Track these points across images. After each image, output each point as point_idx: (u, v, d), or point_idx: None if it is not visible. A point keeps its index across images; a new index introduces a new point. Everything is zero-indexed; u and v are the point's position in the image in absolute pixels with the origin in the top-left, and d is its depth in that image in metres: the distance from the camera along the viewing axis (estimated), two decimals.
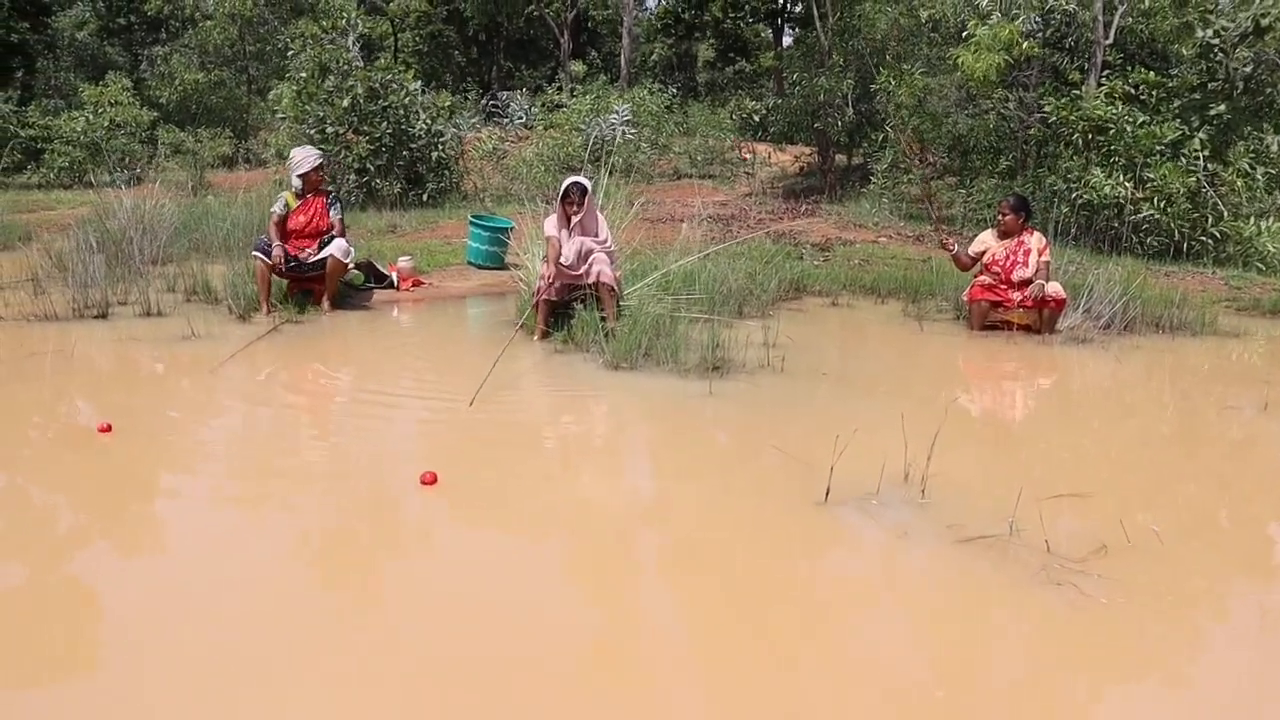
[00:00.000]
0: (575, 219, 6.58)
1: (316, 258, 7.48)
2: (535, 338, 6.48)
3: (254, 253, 7.40)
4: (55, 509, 3.73)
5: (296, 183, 7.70)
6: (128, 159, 19.29)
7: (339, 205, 7.89)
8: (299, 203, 7.70)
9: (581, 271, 6.50)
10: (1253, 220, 10.73)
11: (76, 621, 2.86)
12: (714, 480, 4.11)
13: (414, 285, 8.59)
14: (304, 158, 7.76)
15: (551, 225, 6.63)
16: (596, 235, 6.66)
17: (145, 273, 8.20)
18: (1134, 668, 2.71)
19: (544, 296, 6.49)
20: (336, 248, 7.50)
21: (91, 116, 19.79)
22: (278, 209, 7.69)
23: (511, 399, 5.35)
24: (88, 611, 2.95)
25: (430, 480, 3.88)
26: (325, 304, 7.51)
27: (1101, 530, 3.45)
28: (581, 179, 6.67)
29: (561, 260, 6.47)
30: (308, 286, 7.64)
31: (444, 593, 3.04)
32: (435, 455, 4.43)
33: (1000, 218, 7.35)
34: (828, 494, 3.69)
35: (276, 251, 7.36)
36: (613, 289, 6.44)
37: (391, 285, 8.41)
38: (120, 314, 7.12)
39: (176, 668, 2.56)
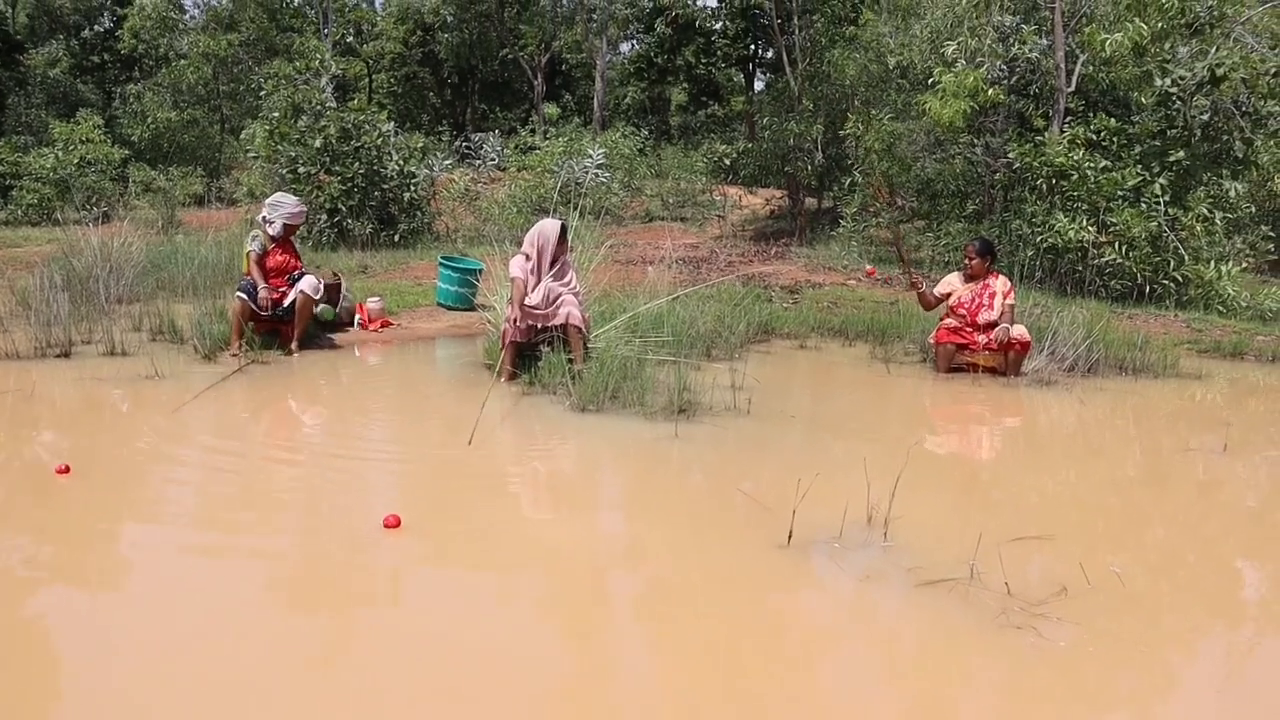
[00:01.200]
0: (564, 258, 6.64)
1: (289, 300, 7.46)
2: (503, 379, 6.46)
3: (238, 293, 7.33)
4: (10, 552, 3.66)
5: (280, 229, 7.67)
6: (97, 197, 19.20)
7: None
8: (273, 244, 7.67)
9: (548, 312, 6.51)
10: (1213, 264, 10.92)
11: (31, 669, 2.80)
12: (679, 523, 4.10)
13: (383, 326, 8.57)
14: (295, 209, 7.77)
15: (517, 266, 6.61)
16: (563, 278, 6.68)
17: (110, 312, 8.14)
18: (1094, 711, 2.72)
19: (511, 338, 6.48)
20: (306, 284, 7.48)
21: (61, 153, 19.71)
22: (255, 248, 7.62)
23: (479, 441, 5.33)
24: (43, 658, 2.89)
25: (394, 524, 3.85)
26: (294, 345, 7.46)
27: (1062, 573, 3.47)
28: (561, 220, 6.73)
29: (529, 302, 6.47)
30: (276, 327, 7.60)
31: (412, 637, 3.00)
32: (403, 498, 4.40)
33: (966, 261, 7.45)
34: (790, 537, 3.69)
35: (263, 295, 7.31)
36: (580, 330, 6.46)
37: (351, 323, 8.38)
38: (84, 353, 7.05)
39: (134, 717, 2.52)
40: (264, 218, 7.75)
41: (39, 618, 3.15)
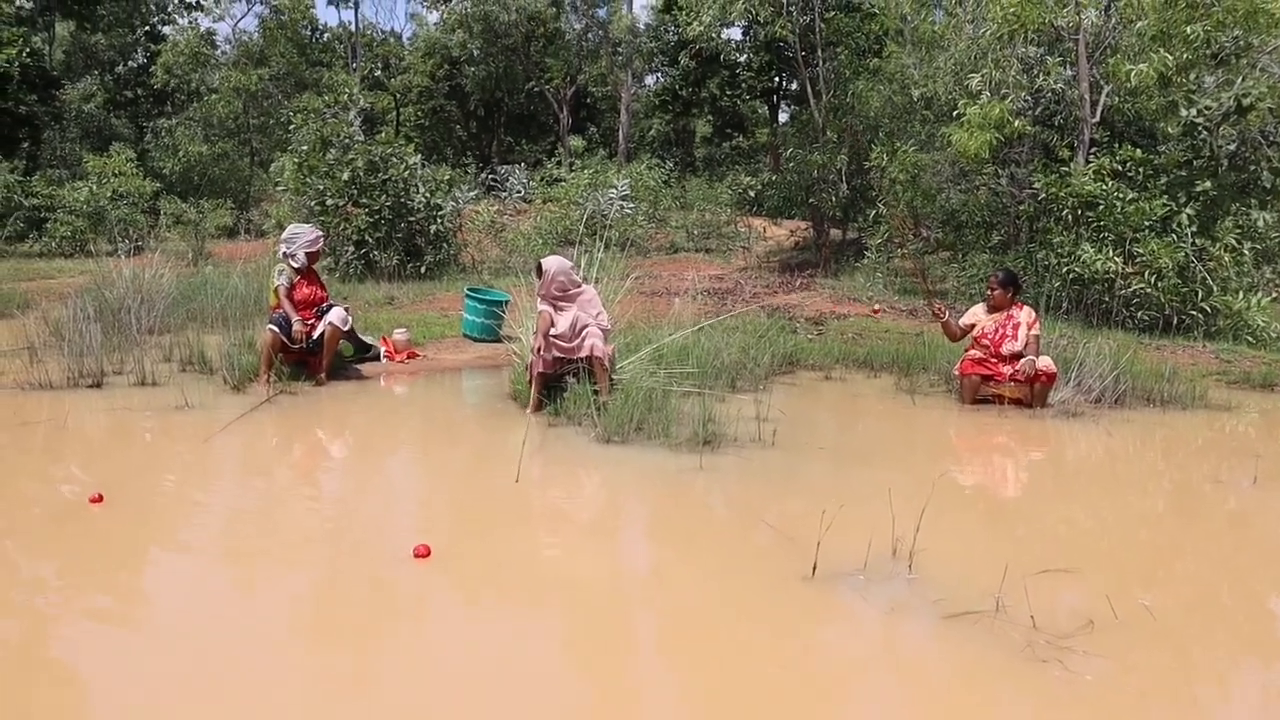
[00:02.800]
0: (573, 292, 6.67)
1: (318, 332, 7.55)
2: (529, 410, 6.49)
3: (270, 326, 7.38)
4: (46, 580, 3.71)
5: (302, 259, 7.75)
6: (129, 229, 19.50)
7: None
8: (299, 276, 7.76)
9: (574, 345, 6.54)
10: (1242, 294, 10.84)
11: (66, 695, 2.83)
12: (704, 554, 4.10)
13: (409, 357, 8.64)
14: (312, 236, 7.85)
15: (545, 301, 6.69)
16: (589, 309, 6.71)
17: (141, 342, 8.24)
18: None
19: (537, 370, 6.51)
20: (335, 316, 7.56)
21: (95, 187, 20.05)
22: (284, 283, 7.68)
23: (504, 472, 5.35)
24: (78, 685, 2.92)
25: (424, 553, 3.88)
26: (322, 375, 7.53)
27: (1089, 606, 3.44)
28: (559, 259, 6.77)
29: (554, 333, 6.51)
30: (304, 358, 7.68)
31: (438, 668, 3.02)
32: (430, 529, 4.43)
33: (989, 292, 7.43)
34: (814, 569, 3.68)
35: (297, 329, 7.38)
36: (604, 363, 6.48)
37: (376, 357, 8.43)
38: (115, 383, 7.14)
39: None
40: (285, 253, 7.80)
41: (72, 646, 3.19)
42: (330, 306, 7.72)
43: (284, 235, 7.95)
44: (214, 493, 4.95)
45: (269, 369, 7.32)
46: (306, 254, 7.77)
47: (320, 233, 8.02)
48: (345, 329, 7.68)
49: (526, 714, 2.74)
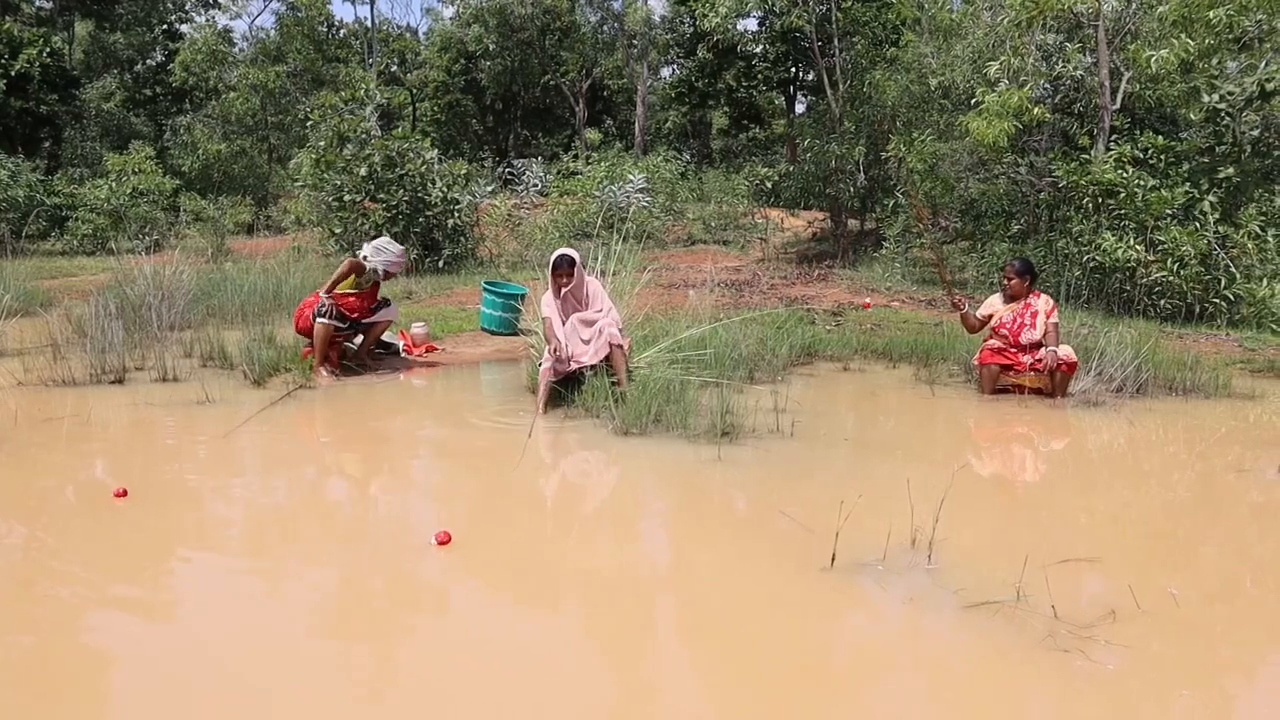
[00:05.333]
0: (565, 289, 6.61)
1: (368, 320, 7.78)
2: (538, 413, 6.34)
3: (321, 319, 7.37)
4: (72, 573, 3.75)
5: (379, 273, 7.71)
6: (149, 226, 19.63)
7: None
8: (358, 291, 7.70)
9: (596, 348, 6.48)
10: (1266, 282, 10.73)
11: (91, 687, 2.86)
12: (722, 546, 4.10)
13: (428, 351, 8.67)
14: (397, 259, 7.86)
15: (549, 304, 6.61)
16: (595, 308, 6.68)
17: (163, 338, 8.31)
18: None
19: (547, 380, 6.40)
20: (390, 312, 7.91)
21: (115, 184, 20.19)
22: (345, 270, 7.56)
23: (523, 464, 5.37)
24: (103, 675, 2.95)
25: (445, 540, 3.91)
26: (366, 358, 7.90)
27: (1111, 596, 3.42)
28: (570, 251, 6.70)
29: (575, 354, 6.44)
30: (342, 340, 7.76)
31: (461, 657, 3.04)
32: (450, 521, 4.44)
33: (1006, 281, 7.38)
34: (833, 559, 3.67)
35: (326, 303, 7.41)
36: (623, 351, 6.46)
37: (396, 352, 8.47)
38: (137, 379, 7.20)
39: None
40: (366, 256, 7.70)
41: (98, 638, 3.22)
42: (387, 302, 7.95)
43: (374, 243, 7.84)
44: (236, 486, 4.99)
45: (324, 360, 7.43)
46: (385, 271, 7.79)
47: (406, 259, 8.04)
48: (391, 319, 7.97)
49: (548, 704, 2.75)
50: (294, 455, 5.70)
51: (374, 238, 8.85)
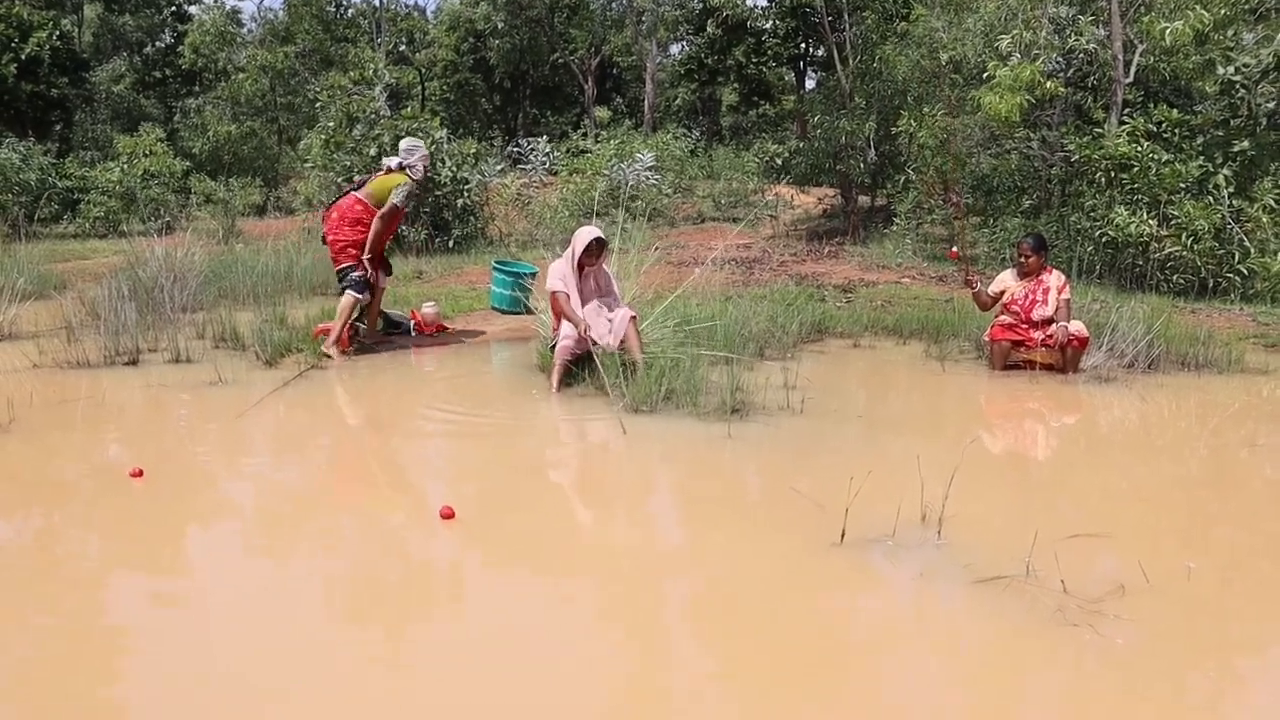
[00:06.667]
0: (590, 270, 6.59)
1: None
2: (552, 390, 6.37)
3: (351, 291, 7.52)
4: (90, 553, 3.80)
5: (420, 171, 7.81)
6: (161, 208, 19.68)
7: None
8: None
9: (615, 331, 6.47)
10: None
11: (109, 666, 2.90)
12: (733, 522, 4.12)
13: (438, 330, 8.69)
14: (425, 151, 7.95)
15: (561, 278, 6.47)
16: (609, 294, 6.67)
17: (175, 320, 8.35)
18: (1158, 711, 2.68)
19: (563, 358, 6.38)
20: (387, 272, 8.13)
21: (126, 167, 20.23)
22: (401, 199, 7.66)
23: (533, 441, 5.40)
24: (120, 655, 2.99)
25: (449, 514, 3.95)
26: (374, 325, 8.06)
27: (1120, 571, 3.42)
28: (602, 234, 6.61)
29: (595, 334, 6.39)
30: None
31: (473, 635, 3.07)
32: (459, 497, 4.46)
33: (1022, 259, 7.32)
34: (843, 536, 3.69)
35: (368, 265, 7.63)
36: (634, 317, 6.44)
37: (406, 331, 8.49)
38: (150, 361, 7.24)
39: (207, 712, 2.60)
40: (404, 164, 7.71)
41: (114, 617, 3.26)
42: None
43: (404, 145, 7.86)
44: (250, 466, 5.04)
45: (339, 337, 7.49)
46: (424, 167, 7.86)
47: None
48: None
49: (561, 678, 2.77)
50: (307, 435, 5.74)
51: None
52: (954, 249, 8.34)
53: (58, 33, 26.34)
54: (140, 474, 4.51)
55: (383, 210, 7.61)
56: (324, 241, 7.87)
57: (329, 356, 7.33)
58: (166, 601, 3.37)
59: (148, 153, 21.09)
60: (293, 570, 3.67)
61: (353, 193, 7.84)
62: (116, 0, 32.78)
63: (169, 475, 4.64)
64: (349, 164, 14.46)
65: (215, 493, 4.58)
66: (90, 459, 5.06)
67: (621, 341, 6.40)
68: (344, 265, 7.61)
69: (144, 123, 26.48)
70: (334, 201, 7.93)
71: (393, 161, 7.85)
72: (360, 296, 7.47)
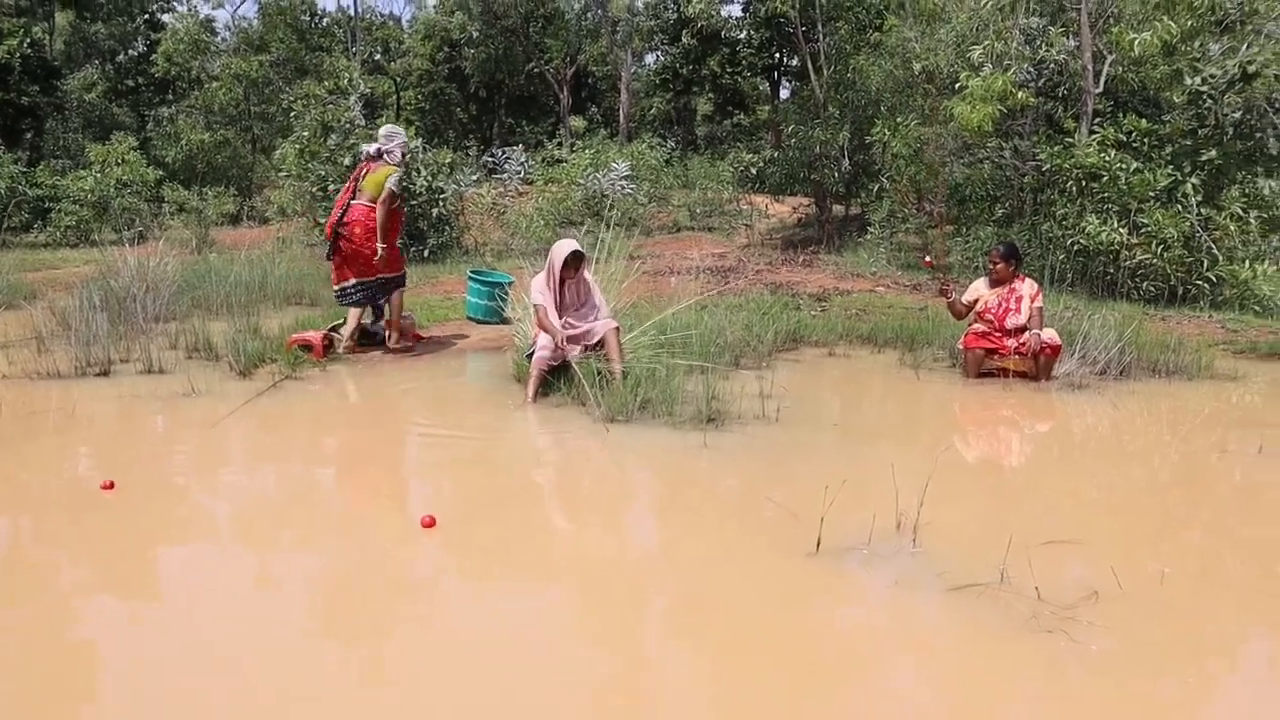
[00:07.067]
0: (569, 282, 6.60)
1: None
2: (528, 399, 6.37)
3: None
4: (59, 566, 3.75)
5: (397, 156, 7.99)
6: (133, 218, 19.52)
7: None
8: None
9: (589, 329, 6.49)
10: (1248, 263, 10.80)
11: (80, 682, 2.87)
12: (709, 532, 4.13)
13: (414, 340, 8.64)
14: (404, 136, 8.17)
15: (541, 291, 6.51)
16: (591, 311, 6.66)
17: (148, 330, 8.28)
18: (1127, 717, 2.71)
19: (539, 367, 6.39)
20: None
21: (99, 175, 20.05)
22: (395, 184, 7.83)
23: (510, 451, 5.38)
24: (92, 671, 2.96)
25: (429, 524, 3.94)
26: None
27: (1093, 577, 3.46)
28: (580, 247, 6.62)
29: (572, 333, 6.41)
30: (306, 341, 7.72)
31: (450, 646, 3.06)
32: (438, 508, 4.45)
33: (991, 266, 7.41)
34: (819, 544, 3.70)
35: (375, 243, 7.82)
36: (618, 328, 6.45)
37: (381, 341, 8.44)
38: (122, 371, 7.17)
39: None
40: (384, 149, 7.94)
41: (86, 632, 3.22)
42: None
43: (383, 132, 8.08)
44: (223, 477, 4.99)
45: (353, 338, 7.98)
46: (402, 154, 8.05)
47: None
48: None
49: (537, 688, 2.76)
50: (281, 446, 5.70)
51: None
52: (928, 258, 8.42)
53: (28, 40, 26.10)
54: (111, 486, 4.46)
55: (381, 197, 7.76)
56: (333, 256, 8.04)
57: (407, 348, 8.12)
58: (138, 616, 3.34)
59: (120, 161, 20.91)
60: (268, 583, 3.64)
61: (356, 204, 7.90)
62: (88, 8, 32.50)
63: (141, 487, 4.60)
64: (324, 173, 14.39)
65: (188, 505, 4.54)
66: (61, 471, 5.00)
67: (600, 346, 6.41)
68: (381, 276, 7.94)
69: (116, 131, 26.27)
70: (341, 217, 7.94)
71: (371, 148, 8.04)
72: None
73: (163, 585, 3.63)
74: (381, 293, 8.05)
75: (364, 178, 7.92)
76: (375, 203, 7.77)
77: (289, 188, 16.49)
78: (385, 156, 7.91)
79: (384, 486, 4.92)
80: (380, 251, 7.74)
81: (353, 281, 7.94)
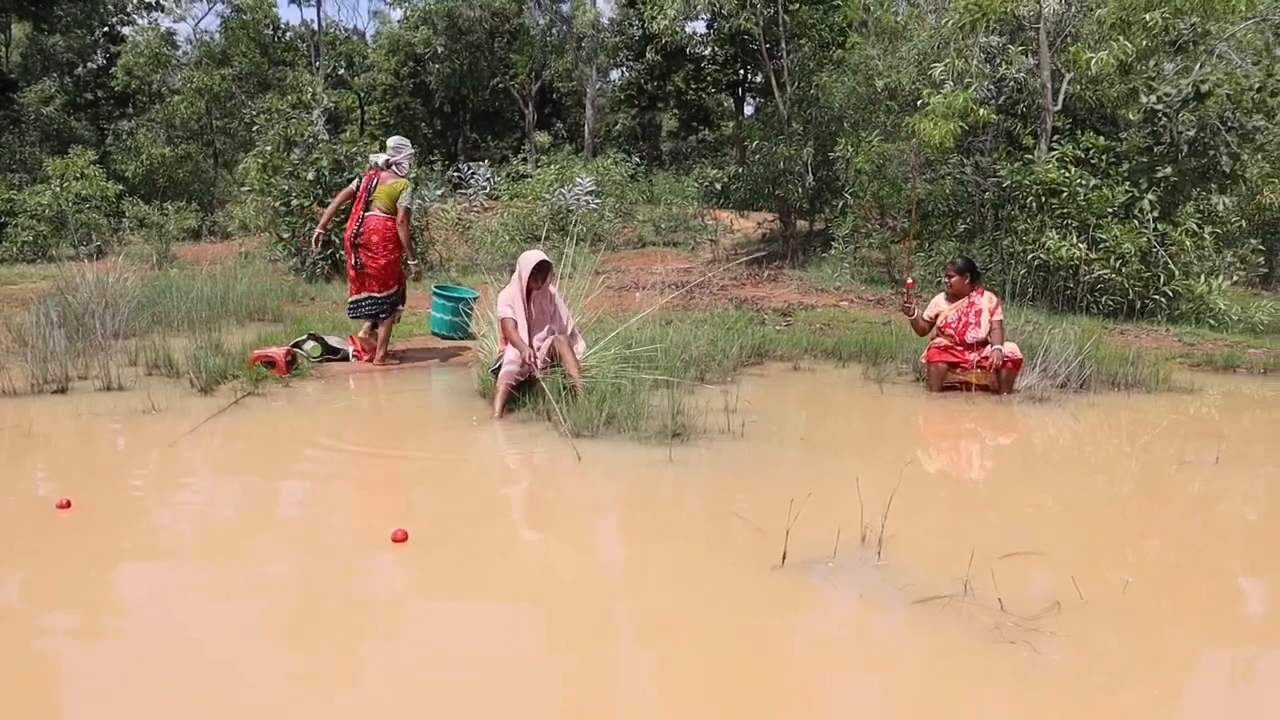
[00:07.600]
0: (536, 292, 6.59)
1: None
2: (495, 416, 6.35)
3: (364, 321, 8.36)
4: (14, 586, 3.67)
5: (405, 169, 8.15)
6: (92, 232, 19.26)
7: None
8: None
9: (547, 345, 6.48)
10: (1203, 278, 11.00)
11: (37, 704, 2.81)
12: (674, 546, 4.12)
13: (379, 355, 8.58)
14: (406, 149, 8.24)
15: (509, 304, 6.50)
16: (556, 319, 6.66)
17: (106, 347, 8.16)
18: None
19: (507, 382, 6.36)
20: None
21: (58, 189, 19.78)
22: (411, 202, 8.11)
23: (476, 467, 5.36)
24: (49, 693, 2.89)
25: (401, 538, 3.93)
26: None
27: (1056, 588, 3.49)
28: (548, 258, 6.63)
29: (536, 363, 6.39)
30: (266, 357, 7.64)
31: (416, 662, 3.02)
32: (402, 524, 4.42)
33: (948, 280, 7.50)
34: (784, 558, 3.71)
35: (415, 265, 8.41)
36: (568, 341, 6.43)
37: (345, 358, 8.39)
38: (80, 389, 7.05)
39: None
40: (392, 161, 8.07)
41: (42, 653, 3.16)
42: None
43: (391, 144, 8.19)
44: (184, 495, 4.92)
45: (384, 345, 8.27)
46: (410, 166, 8.21)
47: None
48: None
49: (503, 703, 2.74)
50: (243, 463, 5.62)
51: (325, 243, 9.15)
52: (910, 279, 8.49)
53: None
54: (68, 505, 4.38)
55: (399, 218, 8.03)
56: (357, 264, 8.17)
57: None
58: (94, 636, 3.28)
59: (79, 175, 20.65)
60: (229, 603, 3.58)
61: (370, 215, 8.07)
62: (46, 20, 32.08)
63: (98, 506, 4.52)
64: (287, 188, 14.27)
65: (147, 523, 4.46)
66: (15, 490, 4.90)
67: (554, 356, 6.40)
68: (390, 292, 8.16)
69: (75, 145, 25.92)
70: (358, 229, 8.10)
71: (379, 159, 8.19)
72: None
73: (120, 606, 3.57)
74: (389, 309, 8.21)
75: (374, 189, 8.06)
76: (389, 214, 7.99)
77: (251, 203, 16.36)
78: (394, 168, 8.06)
79: (348, 503, 4.87)
80: (414, 268, 8.21)
81: (367, 296, 8.13)
